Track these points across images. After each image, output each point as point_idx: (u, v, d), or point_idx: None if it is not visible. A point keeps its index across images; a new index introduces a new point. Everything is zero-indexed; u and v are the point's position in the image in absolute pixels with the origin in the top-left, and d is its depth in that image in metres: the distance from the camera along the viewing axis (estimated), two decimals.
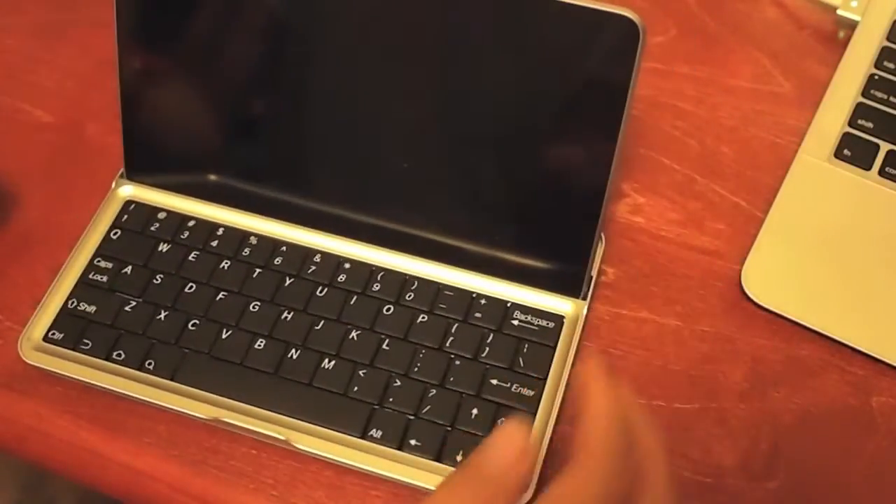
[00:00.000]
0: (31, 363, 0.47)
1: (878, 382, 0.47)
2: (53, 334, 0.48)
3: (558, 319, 0.47)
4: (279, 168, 0.51)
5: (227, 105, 0.50)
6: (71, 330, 0.48)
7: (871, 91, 0.54)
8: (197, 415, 0.45)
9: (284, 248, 0.50)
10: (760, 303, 0.49)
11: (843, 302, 0.49)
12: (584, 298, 0.48)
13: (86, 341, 0.47)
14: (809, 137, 0.53)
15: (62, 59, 0.59)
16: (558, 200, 0.47)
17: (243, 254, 0.50)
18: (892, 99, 0.54)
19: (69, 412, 0.47)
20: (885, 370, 0.47)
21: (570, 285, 0.48)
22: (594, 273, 0.48)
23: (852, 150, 0.53)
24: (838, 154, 0.53)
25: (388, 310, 0.48)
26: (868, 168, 0.52)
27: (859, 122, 0.53)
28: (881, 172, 0.52)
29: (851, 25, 0.57)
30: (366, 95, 0.47)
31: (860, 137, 0.53)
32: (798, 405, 0.47)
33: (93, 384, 0.46)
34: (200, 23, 0.48)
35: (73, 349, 0.47)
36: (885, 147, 0.53)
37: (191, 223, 0.51)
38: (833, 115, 0.54)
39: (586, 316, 0.48)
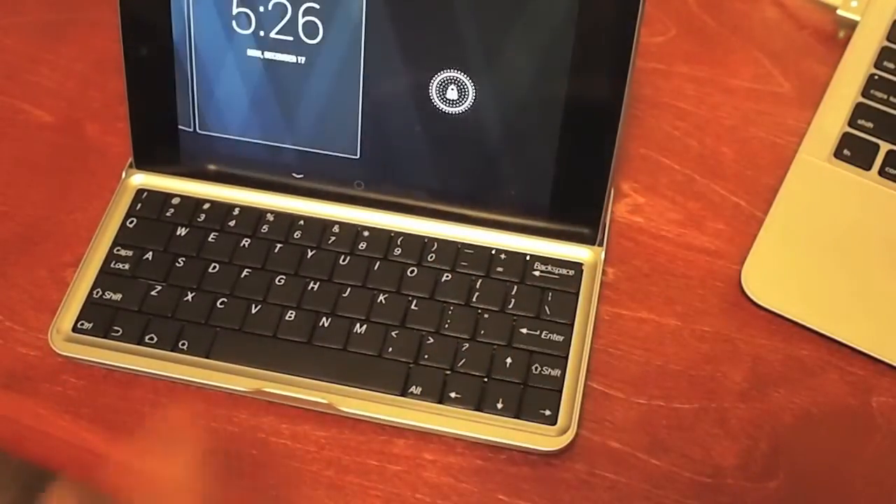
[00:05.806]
0: (65, 354, 0.47)
1: (878, 382, 0.47)
2: (82, 324, 0.48)
3: (577, 267, 0.49)
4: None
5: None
6: (99, 319, 0.48)
7: (871, 91, 0.54)
8: (238, 388, 0.46)
9: (302, 222, 0.51)
10: (760, 303, 0.49)
11: (842, 302, 0.49)
12: (601, 245, 0.49)
13: (116, 328, 0.48)
14: (809, 137, 0.54)
15: (62, 59, 0.59)
16: (570, 148, 0.48)
17: (262, 231, 0.50)
18: (892, 99, 0.54)
19: (69, 412, 0.47)
20: (885, 370, 0.47)
21: (585, 233, 0.49)
22: (608, 220, 0.49)
23: (852, 150, 0.53)
24: (838, 154, 0.53)
25: (412, 272, 0.49)
26: (868, 168, 0.52)
27: (859, 122, 0.53)
28: (881, 172, 0.52)
29: (851, 25, 0.57)
30: (372, 61, 0.48)
31: (860, 137, 0.53)
32: (798, 405, 0.47)
33: (130, 369, 0.47)
34: None
35: (105, 337, 0.47)
36: (884, 147, 0.53)
37: (206, 206, 0.51)
38: (833, 115, 0.54)
39: (604, 262, 0.49)
